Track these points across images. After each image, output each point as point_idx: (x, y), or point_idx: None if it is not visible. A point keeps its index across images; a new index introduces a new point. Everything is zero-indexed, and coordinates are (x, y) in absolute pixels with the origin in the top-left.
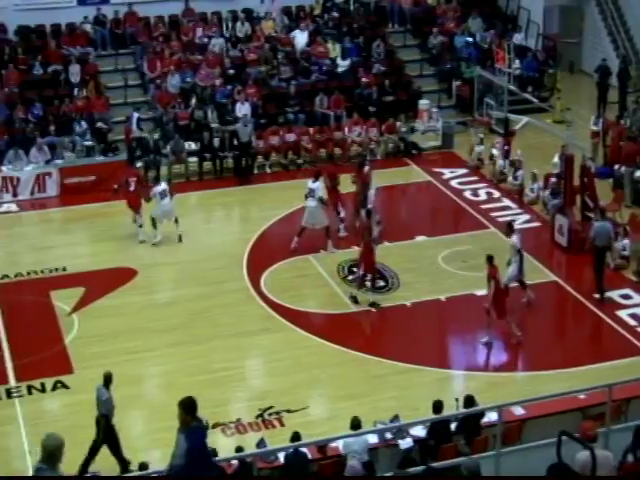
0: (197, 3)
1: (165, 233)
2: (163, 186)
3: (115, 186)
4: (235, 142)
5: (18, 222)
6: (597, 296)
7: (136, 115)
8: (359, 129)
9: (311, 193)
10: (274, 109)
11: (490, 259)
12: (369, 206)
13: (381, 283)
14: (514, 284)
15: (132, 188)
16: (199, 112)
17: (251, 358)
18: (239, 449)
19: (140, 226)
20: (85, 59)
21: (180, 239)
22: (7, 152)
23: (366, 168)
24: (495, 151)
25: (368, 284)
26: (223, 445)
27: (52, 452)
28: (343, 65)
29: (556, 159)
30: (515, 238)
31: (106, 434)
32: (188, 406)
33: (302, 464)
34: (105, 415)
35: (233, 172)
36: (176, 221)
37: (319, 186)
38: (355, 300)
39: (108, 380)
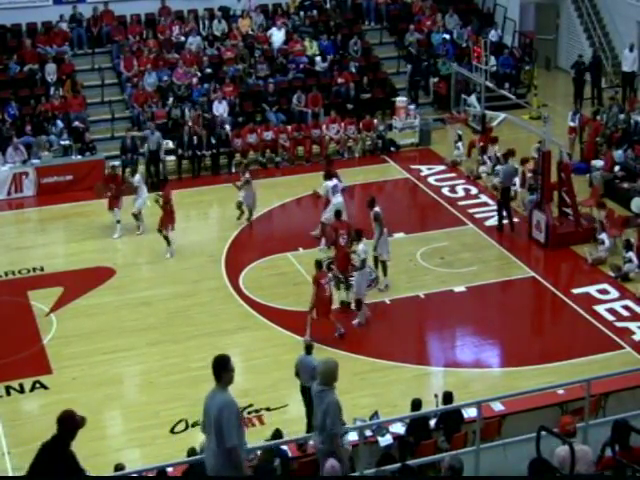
0: (173, 1)
1: (145, 232)
2: (139, 177)
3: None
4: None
5: None
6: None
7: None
8: (337, 127)
9: (335, 189)
10: (251, 107)
11: (319, 265)
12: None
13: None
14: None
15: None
16: (176, 111)
17: (230, 356)
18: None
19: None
20: (61, 58)
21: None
22: None
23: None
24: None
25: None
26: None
27: (329, 374)
28: (322, 66)
29: (534, 153)
30: (362, 247)
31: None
32: None
33: (282, 462)
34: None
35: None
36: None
37: (337, 182)
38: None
39: (310, 348)
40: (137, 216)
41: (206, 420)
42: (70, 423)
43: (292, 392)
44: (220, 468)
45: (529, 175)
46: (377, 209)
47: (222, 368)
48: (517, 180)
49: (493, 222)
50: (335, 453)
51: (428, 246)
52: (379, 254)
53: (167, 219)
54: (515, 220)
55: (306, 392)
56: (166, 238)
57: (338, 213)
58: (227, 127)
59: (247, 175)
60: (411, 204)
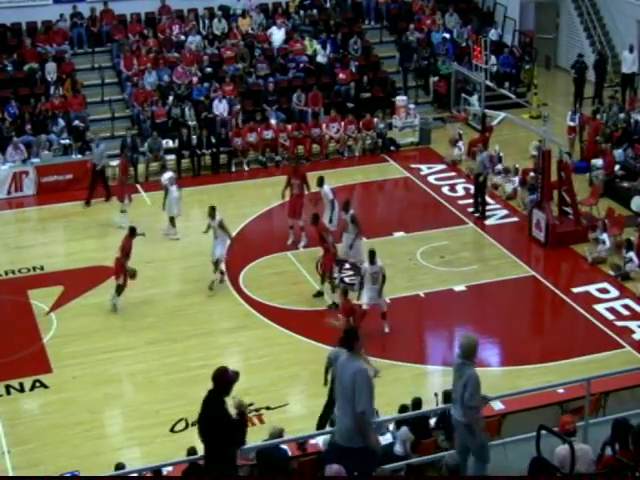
0: (173, 1)
1: (141, 229)
2: (170, 174)
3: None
4: (212, 140)
5: None
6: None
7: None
8: (337, 126)
9: (332, 191)
10: (251, 106)
11: (345, 292)
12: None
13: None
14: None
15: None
16: (176, 110)
17: (229, 355)
18: None
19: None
20: (61, 57)
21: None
22: None
23: None
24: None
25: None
26: None
27: (470, 349)
28: (323, 54)
29: (533, 151)
30: (379, 264)
31: None
32: None
33: (282, 461)
34: None
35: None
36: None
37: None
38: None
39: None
40: (173, 221)
41: (338, 384)
42: (223, 379)
43: (292, 391)
44: (350, 431)
45: (531, 174)
46: (352, 212)
47: (354, 339)
48: (516, 179)
49: (493, 221)
50: (472, 425)
51: (428, 245)
52: (353, 257)
53: (120, 268)
54: (515, 219)
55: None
56: (120, 287)
57: (316, 217)
58: (273, 121)
59: (218, 218)
60: (411, 203)
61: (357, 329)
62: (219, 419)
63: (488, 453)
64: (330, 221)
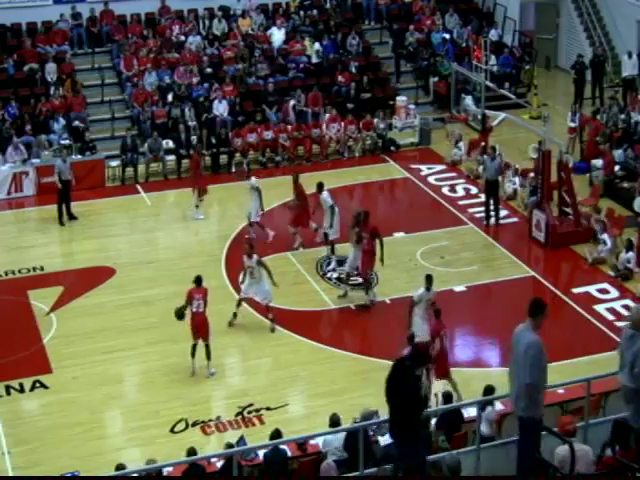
0: (173, 1)
1: (141, 230)
2: (254, 179)
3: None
4: (213, 140)
5: None
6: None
7: None
8: (337, 126)
9: (332, 195)
10: (251, 106)
11: (438, 313)
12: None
13: (359, 280)
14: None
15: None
16: (176, 110)
17: (230, 356)
18: (230, 445)
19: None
20: (61, 57)
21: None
22: None
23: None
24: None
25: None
26: (203, 443)
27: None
28: (318, 50)
29: (532, 154)
30: (430, 292)
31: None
32: None
33: (282, 461)
34: None
35: None
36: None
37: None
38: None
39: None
40: (251, 223)
41: (513, 350)
42: (422, 357)
43: (292, 391)
44: (517, 397)
45: (531, 175)
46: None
47: (540, 311)
48: (517, 179)
49: (493, 222)
50: None
51: (428, 245)
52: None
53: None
54: (515, 220)
55: None
56: (207, 347)
57: (359, 215)
58: (331, 128)
59: (255, 257)
60: (411, 203)
61: (546, 305)
62: (410, 387)
63: None
64: (330, 226)
